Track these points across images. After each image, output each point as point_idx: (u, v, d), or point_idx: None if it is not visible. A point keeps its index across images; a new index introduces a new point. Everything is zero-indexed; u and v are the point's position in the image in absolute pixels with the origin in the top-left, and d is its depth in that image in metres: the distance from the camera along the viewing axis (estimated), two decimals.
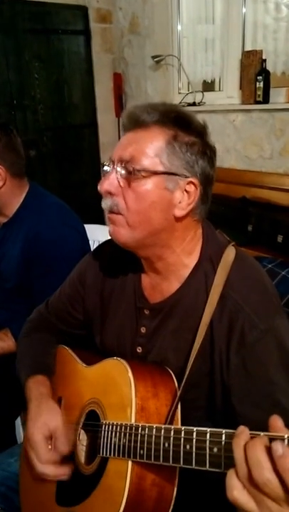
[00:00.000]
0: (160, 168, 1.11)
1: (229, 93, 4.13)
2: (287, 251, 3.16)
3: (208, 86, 4.50)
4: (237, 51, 3.99)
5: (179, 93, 4.73)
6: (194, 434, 0.91)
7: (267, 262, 1.93)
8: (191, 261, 1.21)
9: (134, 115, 1.15)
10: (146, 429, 1.03)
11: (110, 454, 1.12)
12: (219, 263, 1.18)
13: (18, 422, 2.19)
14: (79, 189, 5.10)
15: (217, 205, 3.22)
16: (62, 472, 1.26)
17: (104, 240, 1.44)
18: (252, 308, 1.11)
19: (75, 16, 4.94)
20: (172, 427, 0.99)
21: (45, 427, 1.28)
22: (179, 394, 1.13)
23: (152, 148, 1.11)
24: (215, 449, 0.85)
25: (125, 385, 1.13)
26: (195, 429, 0.91)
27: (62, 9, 4.84)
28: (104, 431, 1.15)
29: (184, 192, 1.14)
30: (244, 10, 3.91)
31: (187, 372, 1.13)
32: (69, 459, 1.30)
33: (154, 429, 1.02)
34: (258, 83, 3.62)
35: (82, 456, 1.28)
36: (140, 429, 1.05)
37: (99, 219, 1.52)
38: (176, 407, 1.11)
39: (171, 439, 0.96)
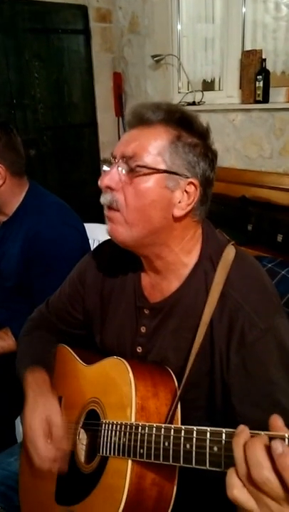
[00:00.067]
0: (162, 167, 1.11)
1: (229, 92, 4.13)
2: (287, 250, 3.17)
3: (208, 85, 4.50)
4: (237, 50, 3.99)
5: (179, 92, 4.72)
6: (194, 433, 0.91)
7: (267, 261, 1.93)
8: (191, 260, 1.21)
9: (139, 113, 1.15)
10: (146, 428, 1.03)
11: (110, 453, 1.12)
12: (219, 262, 1.18)
13: (18, 421, 2.19)
14: (79, 188, 5.11)
15: (217, 204, 3.21)
16: (61, 464, 1.26)
17: (104, 239, 1.44)
18: (252, 307, 1.11)
19: (75, 15, 4.94)
20: (172, 426, 0.99)
21: (42, 419, 1.27)
22: (178, 393, 1.13)
23: (155, 146, 1.11)
24: (215, 448, 0.85)
25: (125, 384, 1.13)
26: (195, 428, 0.91)
27: (62, 8, 4.84)
28: (104, 430, 1.15)
29: (184, 192, 1.14)
30: (244, 9, 3.91)
31: (187, 372, 1.13)
32: (69, 458, 1.30)
33: (154, 429, 1.02)
34: (257, 82, 3.62)
35: (82, 455, 1.29)
36: (140, 428, 1.05)
37: (99, 218, 1.52)
38: (176, 407, 1.12)
39: (171, 438, 0.97)
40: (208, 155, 1.17)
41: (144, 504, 1.07)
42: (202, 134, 1.16)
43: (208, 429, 0.88)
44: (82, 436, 1.31)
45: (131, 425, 1.07)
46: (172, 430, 0.97)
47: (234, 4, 3.91)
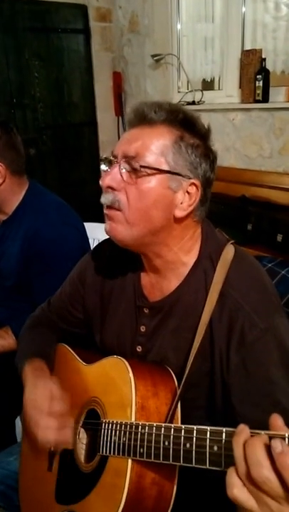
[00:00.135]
0: (165, 167, 1.11)
1: (229, 92, 4.13)
2: (287, 250, 3.17)
3: (208, 85, 4.50)
4: (236, 50, 3.99)
5: (179, 92, 4.72)
6: (194, 432, 0.91)
7: (267, 261, 1.92)
8: (190, 259, 1.21)
9: (141, 112, 1.15)
10: (147, 427, 1.04)
11: (110, 452, 1.12)
12: (219, 261, 1.18)
13: (18, 420, 2.19)
14: (79, 187, 5.11)
15: (216, 204, 3.21)
16: (63, 438, 1.22)
17: (104, 238, 1.44)
18: (251, 306, 1.11)
19: (75, 14, 4.94)
20: (172, 425, 0.99)
21: (43, 394, 1.25)
22: (178, 393, 1.13)
23: (158, 146, 1.11)
24: (215, 448, 0.85)
25: (125, 383, 1.13)
26: (195, 427, 0.91)
27: (62, 8, 4.84)
28: (104, 429, 1.15)
29: (186, 193, 1.14)
30: (244, 9, 3.91)
31: (187, 372, 1.13)
32: (69, 457, 1.30)
33: (154, 428, 1.02)
34: (257, 82, 3.62)
35: (81, 454, 1.29)
36: (140, 427, 1.05)
37: (98, 217, 1.52)
38: (176, 406, 1.12)
39: (172, 437, 0.97)
40: (209, 156, 1.17)
41: (144, 503, 1.07)
42: (203, 135, 1.17)
43: (208, 428, 0.88)
44: (82, 436, 1.31)
45: (131, 424, 1.07)
46: (172, 429, 0.97)
47: (234, 4, 3.91)
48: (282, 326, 1.12)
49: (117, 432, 1.10)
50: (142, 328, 1.29)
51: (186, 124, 1.14)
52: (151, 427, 1.03)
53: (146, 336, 1.28)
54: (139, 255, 1.27)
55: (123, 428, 1.09)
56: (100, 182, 1.16)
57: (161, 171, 1.11)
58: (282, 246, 3.24)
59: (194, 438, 0.91)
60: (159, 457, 0.99)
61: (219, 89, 4.35)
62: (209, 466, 0.86)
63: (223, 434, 0.84)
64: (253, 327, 1.09)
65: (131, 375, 1.13)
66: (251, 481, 0.73)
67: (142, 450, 1.03)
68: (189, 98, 4.35)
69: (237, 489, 0.75)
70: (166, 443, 0.98)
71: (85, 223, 2.17)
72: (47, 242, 1.91)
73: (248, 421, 0.81)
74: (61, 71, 4.99)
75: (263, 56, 3.65)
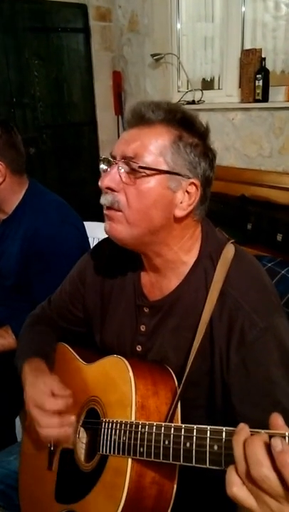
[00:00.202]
0: (164, 167, 1.11)
1: (228, 91, 4.13)
2: (287, 250, 3.16)
3: (208, 84, 4.50)
4: (236, 49, 3.98)
5: (178, 91, 4.72)
6: (194, 431, 0.91)
7: (266, 260, 1.92)
8: (190, 258, 1.21)
9: (139, 112, 1.15)
10: (147, 426, 1.04)
11: (110, 451, 1.12)
12: (219, 260, 1.18)
13: (18, 420, 2.19)
14: (78, 187, 5.10)
15: (216, 203, 3.22)
16: (66, 431, 1.21)
17: (104, 237, 1.44)
18: (251, 306, 1.11)
19: (75, 14, 4.94)
20: (172, 424, 0.99)
21: (44, 389, 1.25)
22: (179, 392, 1.13)
23: (157, 146, 1.11)
24: (215, 447, 0.85)
25: (125, 383, 1.13)
26: (195, 426, 0.91)
27: (61, 7, 4.84)
28: (104, 429, 1.15)
29: (186, 192, 1.14)
30: (243, 8, 3.90)
31: (187, 371, 1.13)
32: (69, 456, 1.30)
33: (154, 427, 1.02)
34: (257, 81, 3.62)
35: (81, 453, 1.29)
36: (140, 426, 1.05)
37: (98, 216, 1.51)
38: (176, 406, 1.12)
39: (172, 436, 0.97)
40: (208, 155, 1.17)
41: (144, 502, 1.07)
42: (202, 134, 1.16)
43: (209, 427, 0.88)
44: (82, 435, 1.31)
45: (131, 424, 1.08)
46: (172, 429, 0.97)
47: (234, 3, 3.91)
48: (281, 326, 1.12)
49: (117, 431, 1.10)
50: (142, 328, 1.29)
51: (184, 123, 1.14)
52: (151, 426, 1.03)
53: (146, 335, 1.28)
54: (139, 254, 1.27)
55: (123, 427, 1.09)
56: (99, 183, 1.16)
57: (160, 171, 1.11)
58: (281, 245, 3.24)
59: (194, 437, 0.91)
60: (159, 456, 0.99)
61: (219, 88, 4.34)
62: (209, 465, 0.86)
63: (223, 433, 0.84)
64: (252, 326, 1.08)
65: (131, 374, 1.13)
66: (251, 480, 0.74)
67: (141, 449, 1.03)
68: (189, 97, 4.35)
69: (236, 488, 0.75)
70: (166, 442, 0.98)
71: (84, 222, 2.17)
72: (47, 241, 1.91)
73: (248, 421, 0.81)
74: (61, 70, 4.99)
75: (263, 56, 3.64)
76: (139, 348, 1.30)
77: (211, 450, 0.86)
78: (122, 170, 1.13)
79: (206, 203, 1.21)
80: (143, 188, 1.11)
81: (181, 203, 1.14)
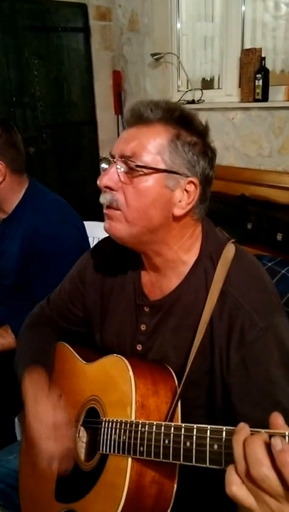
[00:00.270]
0: (161, 166, 1.11)
1: (228, 91, 4.13)
2: (287, 249, 3.16)
3: (207, 84, 4.50)
4: (236, 49, 3.98)
5: (178, 91, 4.72)
6: (194, 431, 0.91)
7: (266, 260, 1.92)
8: (190, 258, 1.21)
9: (137, 111, 1.15)
10: (147, 426, 1.04)
11: (110, 450, 1.12)
12: (219, 260, 1.18)
13: (18, 419, 2.19)
14: (78, 186, 5.10)
15: (216, 202, 3.22)
16: (66, 462, 1.24)
17: (104, 237, 1.44)
18: (252, 306, 1.11)
19: (75, 13, 4.94)
20: (172, 424, 1.00)
21: (47, 422, 1.25)
22: (179, 392, 1.13)
23: (155, 145, 1.11)
24: (215, 446, 0.85)
25: (125, 382, 1.13)
26: (195, 426, 0.91)
27: (61, 7, 4.84)
28: (104, 428, 1.15)
29: (184, 191, 1.14)
30: (243, 8, 3.90)
31: (187, 370, 1.13)
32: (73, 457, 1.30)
33: (154, 426, 1.02)
34: (257, 81, 3.62)
35: (81, 453, 1.29)
36: (140, 426, 1.05)
37: (98, 216, 1.51)
38: (176, 405, 1.12)
39: (172, 435, 0.97)
40: (208, 153, 1.16)
41: (144, 502, 1.07)
42: (201, 133, 1.16)
43: (209, 427, 0.88)
44: (82, 434, 1.31)
45: (131, 423, 1.08)
46: (172, 428, 0.98)
47: (234, 3, 3.90)
48: (282, 325, 1.12)
49: (117, 430, 1.11)
50: (142, 327, 1.29)
51: (182, 121, 1.13)
52: (151, 425, 1.03)
53: (146, 335, 1.28)
54: (139, 254, 1.27)
55: (123, 426, 1.09)
56: (98, 182, 1.17)
57: (157, 170, 1.11)
58: (281, 245, 3.24)
59: (194, 436, 0.91)
60: (159, 456, 0.99)
61: (219, 88, 4.34)
62: (209, 464, 0.86)
63: (223, 432, 0.84)
64: (252, 326, 1.08)
65: (131, 373, 1.13)
66: (250, 479, 0.74)
67: (142, 449, 1.03)
68: (189, 97, 4.35)
69: (236, 487, 0.75)
70: (166, 441, 0.98)
71: (84, 222, 2.17)
72: (46, 241, 1.91)
73: (248, 420, 0.81)
74: (61, 70, 4.99)
75: (263, 55, 3.64)
76: (139, 348, 1.30)
77: (211, 449, 0.86)
78: (121, 169, 1.13)
79: (206, 202, 1.20)
80: (141, 186, 1.12)
81: (179, 201, 1.14)
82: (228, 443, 0.81)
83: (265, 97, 3.63)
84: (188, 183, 1.13)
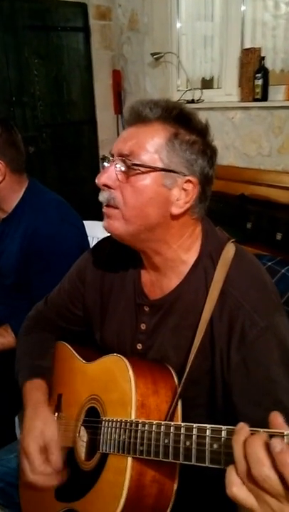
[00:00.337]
0: (159, 165, 1.11)
1: (228, 90, 4.14)
2: (287, 248, 3.16)
3: (207, 83, 4.50)
4: (236, 48, 3.99)
5: (178, 90, 4.72)
6: (194, 430, 0.91)
7: (266, 259, 1.92)
8: (190, 257, 1.21)
9: (136, 110, 1.15)
10: (146, 425, 1.04)
11: (110, 450, 1.12)
12: (219, 259, 1.18)
13: (18, 418, 2.19)
14: (78, 186, 5.10)
15: (216, 202, 3.21)
16: (52, 483, 1.25)
17: (103, 236, 1.44)
18: (252, 305, 1.11)
19: (75, 12, 4.95)
20: (172, 423, 1.00)
21: (40, 438, 1.27)
22: (179, 391, 1.13)
23: (152, 144, 1.11)
24: (215, 446, 0.85)
25: (125, 381, 1.13)
26: (195, 425, 0.91)
27: (61, 6, 4.85)
28: (104, 427, 1.15)
29: (182, 190, 1.14)
30: (243, 7, 3.91)
31: (187, 370, 1.13)
32: (69, 455, 1.30)
33: (154, 426, 1.02)
34: (256, 81, 3.63)
35: (82, 452, 1.29)
36: (140, 425, 1.05)
37: (98, 216, 1.50)
38: (177, 404, 1.12)
39: (171, 435, 0.97)
40: (207, 152, 1.16)
41: (144, 501, 1.07)
42: (201, 131, 1.16)
43: (208, 426, 0.88)
44: (83, 434, 1.31)
45: (131, 422, 1.08)
46: (172, 427, 0.98)
47: (233, 2, 3.91)
48: (282, 325, 1.12)
49: (117, 429, 1.11)
50: (143, 326, 1.29)
51: (181, 120, 1.13)
52: (151, 424, 1.03)
53: (146, 334, 1.28)
54: (139, 253, 1.27)
55: (123, 426, 1.09)
56: (96, 180, 1.17)
57: (155, 169, 1.11)
58: (281, 244, 3.24)
59: (194, 436, 0.91)
60: (159, 455, 0.99)
61: (218, 87, 4.35)
62: (209, 464, 0.86)
63: (223, 432, 0.84)
64: (253, 326, 1.08)
65: (131, 372, 1.13)
66: (251, 479, 0.74)
67: (142, 448, 1.03)
68: (188, 96, 4.35)
69: (236, 488, 0.75)
70: (166, 441, 0.98)
71: (84, 221, 2.17)
72: (46, 240, 1.91)
73: (249, 420, 0.81)
74: (61, 69, 4.99)
75: (263, 55, 3.65)
76: (139, 347, 1.30)
77: (211, 449, 0.86)
78: (119, 168, 1.13)
79: (205, 202, 1.20)
80: (138, 185, 1.12)
81: (177, 200, 1.14)
82: (228, 442, 0.81)
83: (264, 97, 3.63)
84: (186, 182, 1.13)
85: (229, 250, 1.20)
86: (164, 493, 1.09)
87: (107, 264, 1.40)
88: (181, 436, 0.94)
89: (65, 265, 1.56)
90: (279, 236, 3.26)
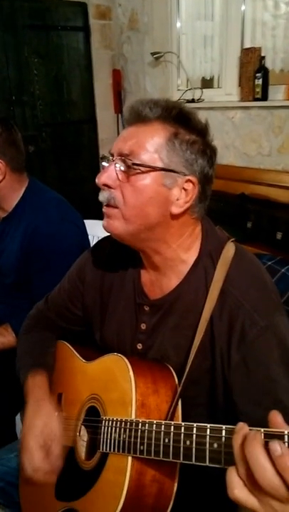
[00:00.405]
0: (159, 164, 1.11)
1: (228, 90, 4.14)
2: (287, 248, 3.17)
3: (207, 83, 4.50)
4: (236, 48, 3.99)
5: (178, 90, 4.72)
6: (194, 429, 0.91)
7: (266, 259, 1.91)
8: (190, 257, 1.21)
9: (136, 110, 1.15)
10: (147, 424, 1.04)
11: (110, 449, 1.12)
12: (219, 259, 1.18)
13: (18, 417, 2.19)
14: (78, 185, 5.10)
15: (216, 201, 3.21)
16: (51, 480, 1.25)
17: (104, 235, 1.44)
18: (252, 305, 1.11)
19: (75, 12, 4.94)
20: (172, 422, 1.00)
21: (41, 434, 1.26)
22: (179, 390, 1.13)
23: (152, 143, 1.11)
24: (215, 445, 0.85)
25: (125, 381, 1.13)
26: (195, 424, 0.91)
27: (61, 5, 4.85)
28: (105, 427, 1.15)
29: (182, 190, 1.14)
30: (243, 7, 3.91)
31: (187, 369, 1.13)
32: (69, 454, 1.30)
33: (154, 425, 1.02)
34: (256, 80, 3.63)
35: (82, 451, 1.29)
36: (140, 424, 1.05)
37: (98, 215, 1.50)
38: (177, 404, 1.12)
39: (172, 434, 0.97)
40: (207, 152, 1.16)
41: (144, 501, 1.07)
42: (201, 131, 1.16)
43: (208, 425, 0.88)
44: (83, 433, 1.31)
45: (131, 422, 1.08)
46: (172, 427, 0.98)
47: (233, 2, 3.91)
48: (282, 324, 1.12)
49: (117, 429, 1.11)
50: (143, 326, 1.29)
51: (180, 120, 1.13)
52: (151, 424, 1.03)
53: (146, 334, 1.28)
54: (139, 253, 1.27)
55: (123, 425, 1.09)
56: (96, 180, 1.17)
57: (155, 169, 1.11)
58: (281, 244, 3.24)
59: (194, 435, 0.91)
60: (159, 454, 0.99)
61: (218, 87, 4.34)
62: (209, 463, 0.86)
63: (223, 431, 0.84)
64: (253, 325, 1.08)
65: (131, 372, 1.13)
66: (252, 481, 0.73)
67: (142, 447, 1.03)
68: (188, 96, 4.35)
69: (238, 490, 0.75)
70: (166, 440, 0.98)
71: (84, 220, 2.17)
72: (46, 239, 1.91)
73: (249, 419, 0.81)
74: (61, 69, 4.99)
75: (262, 54, 3.66)
76: (139, 346, 1.30)
77: (211, 448, 0.86)
78: (119, 167, 1.13)
79: (205, 201, 1.20)
80: (138, 184, 1.12)
81: (177, 199, 1.14)
82: (228, 442, 0.81)
83: (264, 96, 3.64)
84: (186, 182, 1.13)
85: (229, 250, 1.20)
86: (164, 493, 1.09)
87: (107, 263, 1.40)
88: (181, 436, 0.94)
89: (66, 264, 1.56)
90: (279, 235, 3.26)
